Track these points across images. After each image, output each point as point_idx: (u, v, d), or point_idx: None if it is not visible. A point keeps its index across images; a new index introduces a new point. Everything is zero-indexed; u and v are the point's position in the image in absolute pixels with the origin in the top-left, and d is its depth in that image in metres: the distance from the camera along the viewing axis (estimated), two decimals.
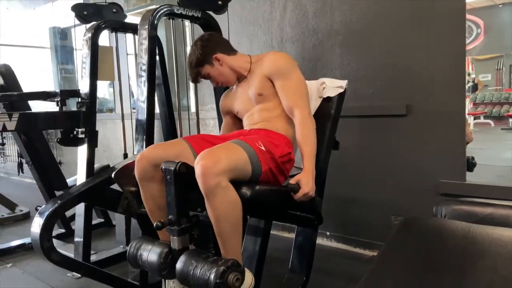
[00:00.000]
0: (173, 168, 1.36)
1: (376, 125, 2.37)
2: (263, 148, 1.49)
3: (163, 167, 1.40)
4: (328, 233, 2.64)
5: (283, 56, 1.73)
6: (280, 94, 1.68)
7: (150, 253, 1.45)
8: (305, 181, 1.47)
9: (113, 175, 1.66)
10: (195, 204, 1.46)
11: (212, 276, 1.24)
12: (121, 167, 1.66)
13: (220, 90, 2.38)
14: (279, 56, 1.72)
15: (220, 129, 2.07)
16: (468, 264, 0.95)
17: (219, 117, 2.40)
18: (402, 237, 1.19)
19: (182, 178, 1.36)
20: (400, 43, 2.23)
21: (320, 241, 2.60)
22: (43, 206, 1.95)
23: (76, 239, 2.40)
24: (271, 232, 1.81)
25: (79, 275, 2.27)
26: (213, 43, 1.78)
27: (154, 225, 1.37)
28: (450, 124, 2.09)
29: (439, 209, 1.34)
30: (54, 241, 2.06)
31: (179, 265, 1.34)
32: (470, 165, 2.21)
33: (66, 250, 2.43)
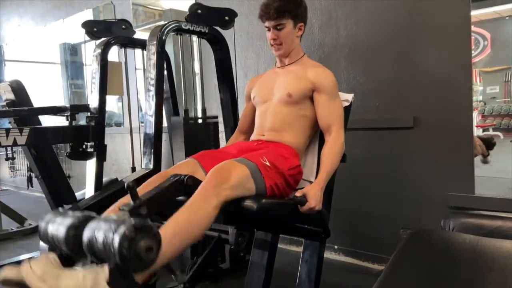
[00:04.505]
0: (182, 178, 1.39)
1: (383, 137, 2.37)
2: (267, 163, 1.50)
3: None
4: (336, 246, 2.62)
5: (334, 77, 1.74)
6: (321, 107, 1.70)
7: (60, 225, 1.16)
8: (313, 193, 1.47)
9: None
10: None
11: (116, 239, 0.96)
12: None
13: (226, 102, 2.41)
14: (332, 75, 1.74)
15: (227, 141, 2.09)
16: (477, 277, 0.94)
17: (226, 130, 2.42)
18: (410, 250, 1.18)
19: (188, 189, 1.37)
20: (406, 55, 2.24)
21: (328, 255, 2.58)
22: None
23: None
24: (279, 245, 1.80)
25: None
26: (306, 15, 1.80)
27: (125, 185, 1.19)
28: (458, 136, 2.09)
29: (447, 222, 1.33)
30: None
31: (85, 231, 1.07)
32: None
33: None
